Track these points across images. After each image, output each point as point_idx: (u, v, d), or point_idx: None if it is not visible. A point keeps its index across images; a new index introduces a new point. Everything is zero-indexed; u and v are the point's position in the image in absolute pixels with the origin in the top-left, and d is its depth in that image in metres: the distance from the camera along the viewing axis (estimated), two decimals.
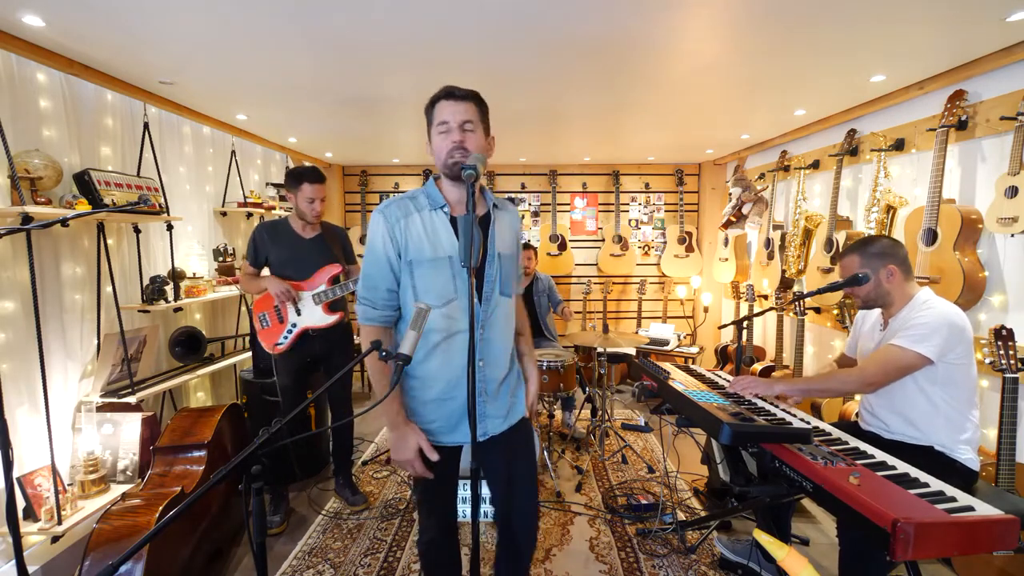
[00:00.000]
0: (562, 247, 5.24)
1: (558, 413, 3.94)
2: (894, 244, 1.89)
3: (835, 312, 3.34)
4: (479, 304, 1.43)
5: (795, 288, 3.86)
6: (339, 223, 5.38)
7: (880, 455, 1.62)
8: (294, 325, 2.60)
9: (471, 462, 1.26)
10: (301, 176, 2.53)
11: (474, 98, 1.41)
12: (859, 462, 1.54)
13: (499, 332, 1.50)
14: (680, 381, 2.13)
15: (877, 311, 2.00)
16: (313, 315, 2.61)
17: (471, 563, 1.33)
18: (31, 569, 2.02)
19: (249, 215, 3.85)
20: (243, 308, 3.77)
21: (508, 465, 1.57)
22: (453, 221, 1.43)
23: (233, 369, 3.64)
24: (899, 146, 2.87)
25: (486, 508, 2.53)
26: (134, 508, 1.97)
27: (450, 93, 1.39)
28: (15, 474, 1.96)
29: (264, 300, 2.65)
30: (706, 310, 5.32)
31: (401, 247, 1.41)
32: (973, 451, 1.78)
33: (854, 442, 1.74)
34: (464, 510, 2.59)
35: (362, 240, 5.30)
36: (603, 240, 5.39)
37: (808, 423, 1.84)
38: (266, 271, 2.68)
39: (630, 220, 5.44)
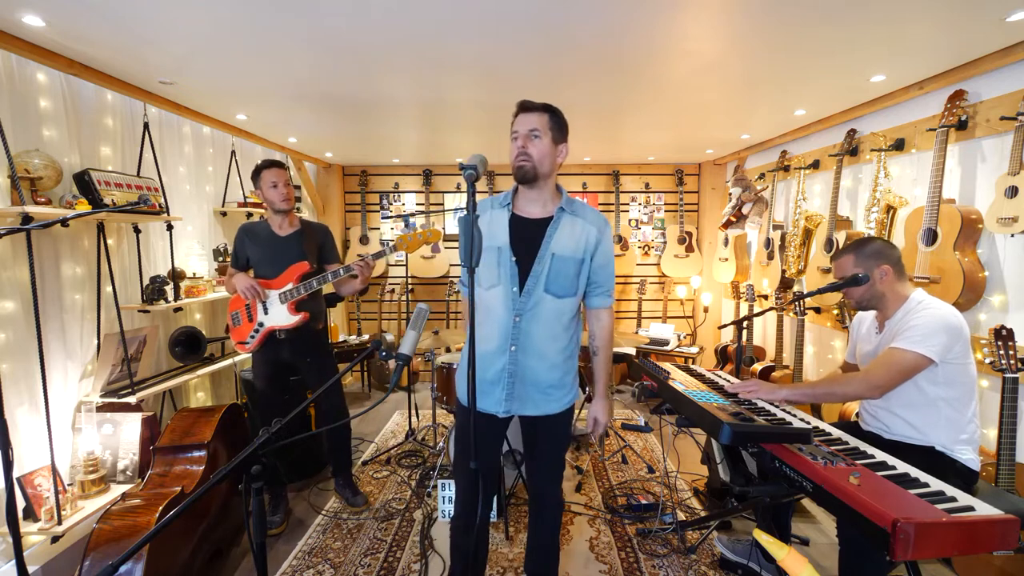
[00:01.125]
0: None
1: None
2: (888, 245, 1.92)
3: (835, 312, 3.34)
4: (518, 294, 1.62)
5: (795, 288, 3.86)
6: (339, 223, 5.38)
7: (880, 455, 1.63)
8: (261, 324, 2.56)
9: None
10: (259, 168, 2.54)
11: (545, 109, 1.59)
12: (859, 462, 1.54)
13: (541, 327, 1.63)
14: (680, 381, 2.14)
15: (872, 314, 2.01)
16: (279, 314, 2.55)
17: (471, 562, 1.33)
18: (31, 569, 2.01)
19: (249, 215, 3.85)
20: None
21: (532, 442, 1.79)
22: (513, 219, 1.65)
23: (233, 369, 3.64)
24: (899, 146, 2.87)
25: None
26: (134, 508, 1.97)
27: (523, 107, 1.59)
28: (15, 474, 1.96)
29: (238, 299, 2.62)
30: (706, 310, 5.32)
31: None
32: (973, 451, 1.78)
33: (854, 442, 1.74)
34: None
35: (362, 240, 5.31)
36: None
37: (808, 423, 1.84)
38: (252, 272, 2.65)
39: (630, 220, 5.44)
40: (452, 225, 5.40)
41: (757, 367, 3.79)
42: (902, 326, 1.81)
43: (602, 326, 1.77)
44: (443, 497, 2.66)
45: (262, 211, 3.83)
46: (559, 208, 1.64)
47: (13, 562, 1.53)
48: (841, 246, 3.10)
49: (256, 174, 2.55)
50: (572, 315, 1.70)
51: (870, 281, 1.88)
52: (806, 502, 2.73)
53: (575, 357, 1.75)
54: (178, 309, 2.89)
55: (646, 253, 5.47)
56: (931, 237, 2.41)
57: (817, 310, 3.56)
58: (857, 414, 2.13)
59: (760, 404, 1.91)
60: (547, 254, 1.61)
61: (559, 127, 1.61)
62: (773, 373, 3.67)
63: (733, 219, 4.44)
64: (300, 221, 2.66)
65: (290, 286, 2.52)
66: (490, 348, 1.66)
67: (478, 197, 1.46)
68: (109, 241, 2.58)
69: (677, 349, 4.62)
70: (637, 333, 4.88)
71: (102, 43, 2.15)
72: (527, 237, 1.63)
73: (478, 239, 1.23)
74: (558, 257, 1.61)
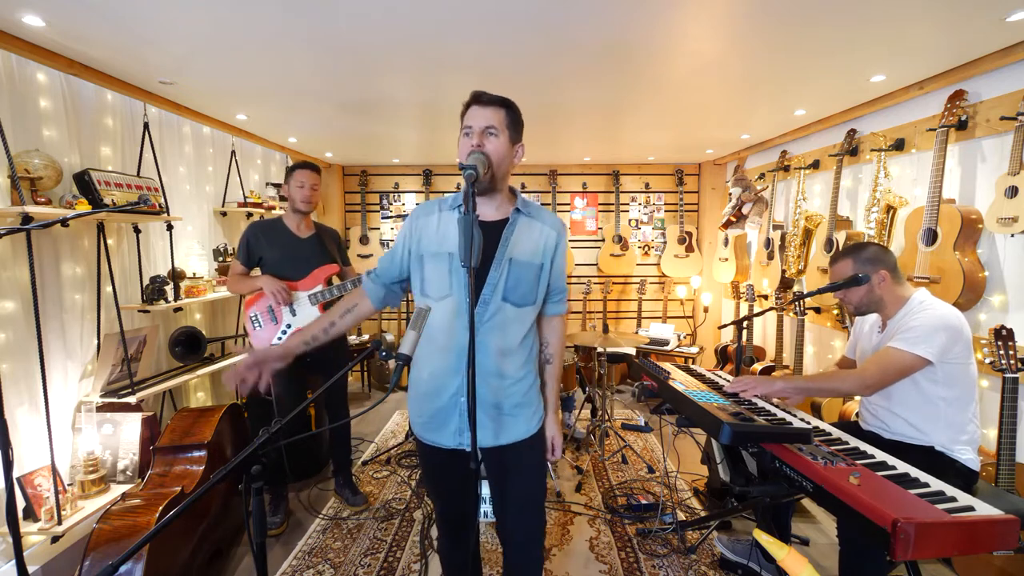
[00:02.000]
0: None
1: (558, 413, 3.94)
2: (884, 250, 1.93)
3: (835, 312, 3.34)
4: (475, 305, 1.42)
5: (795, 288, 3.86)
6: (339, 223, 5.39)
7: (880, 455, 1.63)
8: (288, 326, 2.58)
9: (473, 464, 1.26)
10: (294, 166, 2.61)
11: (502, 104, 1.40)
12: (859, 462, 1.54)
13: (499, 340, 1.44)
14: (680, 381, 2.13)
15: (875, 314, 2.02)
16: (308, 316, 2.57)
17: (471, 564, 1.33)
18: (31, 569, 2.01)
19: (249, 215, 3.85)
20: (243, 308, 3.77)
21: (502, 484, 1.54)
22: None
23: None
24: (899, 146, 2.87)
25: (486, 508, 2.53)
26: (134, 508, 1.97)
27: (477, 98, 1.40)
28: (15, 474, 1.96)
29: (255, 300, 2.61)
30: (706, 310, 5.32)
31: (415, 241, 1.49)
32: (973, 451, 1.78)
33: (854, 442, 1.74)
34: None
35: (362, 240, 5.31)
36: (603, 240, 5.39)
37: (808, 423, 1.84)
38: (257, 271, 2.64)
39: (630, 220, 5.44)
40: None
41: (757, 367, 3.79)
42: (902, 326, 1.81)
43: (556, 334, 1.61)
44: None
45: (262, 211, 3.83)
46: (515, 210, 1.47)
47: (13, 562, 1.53)
48: (841, 247, 3.10)
49: (289, 171, 2.61)
50: (531, 325, 1.53)
51: (868, 286, 1.89)
52: (806, 502, 2.73)
53: (536, 369, 1.57)
54: (178, 309, 2.88)
55: (646, 253, 5.47)
56: (931, 237, 2.41)
57: (817, 310, 3.56)
58: (857, 414, 2.13)
59: (760, 404, 1.91)
60: (504, 259, 1.43)
61: (516, 125, 1.43)
62: (773, 373, 3.67)
63: (733, 219, 4.44)
64: (314, 224, 2.72)
65: (320, 287, 2.57)
66: (442, 368, 1.44)
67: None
68: (109, 241, 2.58)
69: (677, 349, 4.61)
70: (637, 333, 4.88)
71: (102, 43, 2.15)
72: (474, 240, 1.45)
73: (478, 239, 1.15)
74: (516, 262, 1.44)
